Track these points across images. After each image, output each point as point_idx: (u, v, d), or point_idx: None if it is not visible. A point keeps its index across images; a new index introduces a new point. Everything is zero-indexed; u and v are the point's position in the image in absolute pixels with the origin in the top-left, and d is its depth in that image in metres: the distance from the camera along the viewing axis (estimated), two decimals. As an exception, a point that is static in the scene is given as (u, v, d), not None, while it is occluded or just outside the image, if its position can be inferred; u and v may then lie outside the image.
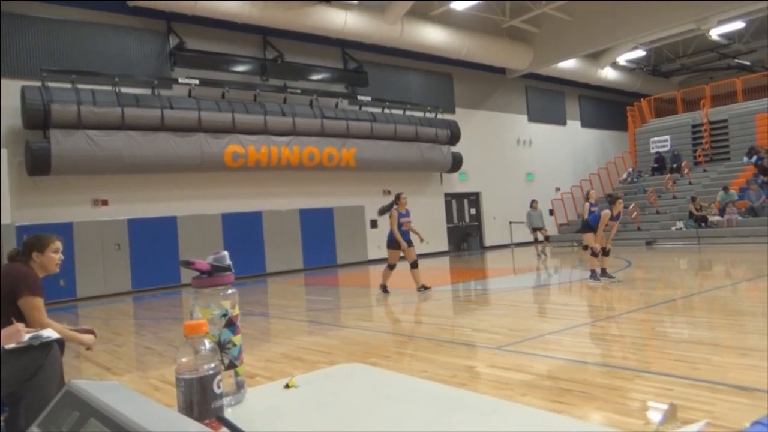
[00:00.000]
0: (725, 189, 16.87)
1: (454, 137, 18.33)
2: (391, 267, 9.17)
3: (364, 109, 16.81)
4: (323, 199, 16.29)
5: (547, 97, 23.28)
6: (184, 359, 1.01)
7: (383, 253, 17.60)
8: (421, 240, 9.45)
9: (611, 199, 9.45)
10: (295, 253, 15.56)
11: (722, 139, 20.80)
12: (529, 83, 22.19)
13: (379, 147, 16.40)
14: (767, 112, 19.66)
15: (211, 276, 1.24)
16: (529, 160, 21.95)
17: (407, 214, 9.15)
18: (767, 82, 21.30)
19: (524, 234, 17.15)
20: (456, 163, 18.43)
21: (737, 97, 21.76)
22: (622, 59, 23.16)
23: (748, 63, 23.62)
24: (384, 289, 9.13)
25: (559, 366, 4.28)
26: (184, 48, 14.03)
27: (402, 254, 9.02)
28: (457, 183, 19.64)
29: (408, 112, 17.72)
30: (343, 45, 16.72)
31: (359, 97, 16.85)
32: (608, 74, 23.00)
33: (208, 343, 1.04)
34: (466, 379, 4.00)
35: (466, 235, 19.97)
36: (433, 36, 16.91)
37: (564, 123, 23.99)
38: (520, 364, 4.36)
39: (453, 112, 19.61)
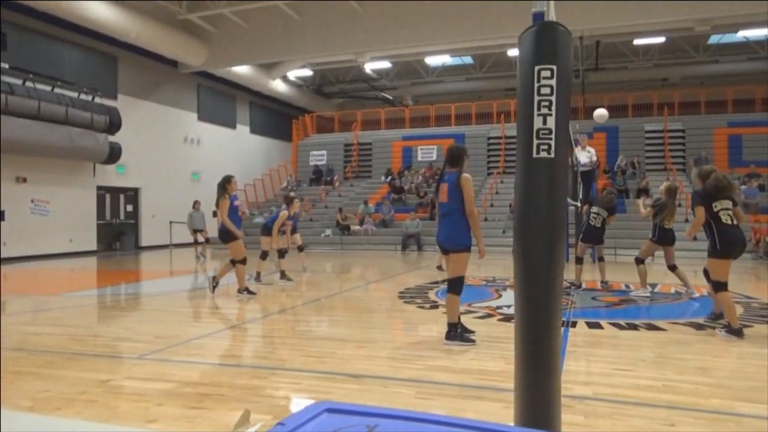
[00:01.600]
0: (365, 202, 19.63)
1: (114, 125, 16.73)
2: (242, 261, 7.97)
3: (-2, 77, 13.97)
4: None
5: (219, 99, 23.30)
6: None
7: (9, 251, 14.98)
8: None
9: (288, 200, 10.00)
10: None
11: (367, 160, 24.20)
12: (201, 81, 21.86)
13: (15, 125, 13.80)
14: (401, 141, 23.71)
15: None
16: (196, 159, 21.56)
17: (237, 197, 8.13)
18: (403, 115, 25.71)
19: (185, 234, 16.74)
20: (114, 154, 16.84)
21: (380, 124, 25.64)
22: (291, 74, 24.83)
23: (391, 98, 28.08)
24: (248, 291, 7.98)
25: (201, 371, 4.29)
26: None
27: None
28: (113, 176, 17.98)
29: (58, 90, 15.46)
30: (-27, -6, 13.62)
31: (-8, 62, 13.96)
32: (278, 86, 24.33)
33: None
34: (97, 395, 3.66)
35: (119, 234, 18.41)
36: (98, 10, 15.10)
37: (234, 126, 24.38)
38: (161, 372, 4.22)
39: (115, 98, 17.93)
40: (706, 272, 5.89)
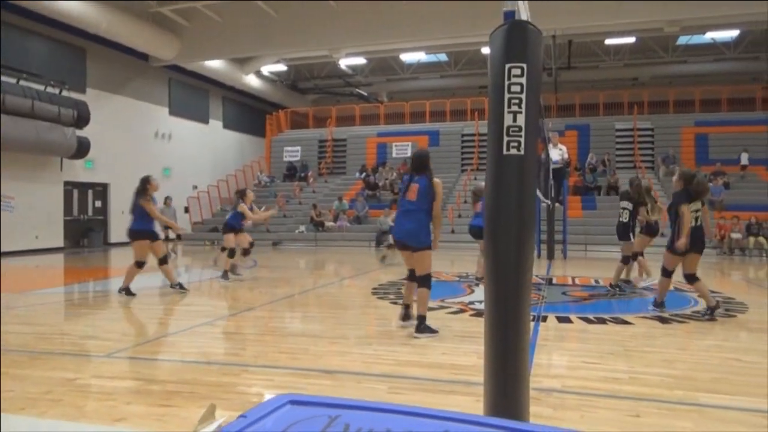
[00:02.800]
0: (340, 199, 19.59)
1: (82, 120, 16.35)
2: (140, 265, 7.67)
3: (-41, 68, 13.54)
4: None
5: (191, 93, 22.94)
6: None
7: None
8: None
9: (241, 193, 9.79)
10: None
11: (341, 156, 24.14)
12: (173, 75, 21.49)
13: (-22, 118, 13.43)
14: (376, 137, 23.69)
15: None
16: (167, 154, 21.20)
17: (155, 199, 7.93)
18: (378, 111, 25.69)
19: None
20: (82, 148, 16.47)
21: (355, 121, 25.58)
22: (265, 70, 24.58)
23: (366, 94, 28.01)
24: (127, 292, 7.66)
25: (170, 368, 4.24)
26: None
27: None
28: (81, 171, 17.59)
29: (24, 83, 15.05)
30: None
31: (-47, 53, 13.51)
32: (252, 81, 24.06)
33: None
34: (63, 394, 3.59)
35: (87, 230, 18.02)
36: (66, 1, 14.70)
37: (206, 121, 24.05)
38: (129, 370, 4.16)
39: (83, 91, 17.52)
40: (687, 276, 6.22)
